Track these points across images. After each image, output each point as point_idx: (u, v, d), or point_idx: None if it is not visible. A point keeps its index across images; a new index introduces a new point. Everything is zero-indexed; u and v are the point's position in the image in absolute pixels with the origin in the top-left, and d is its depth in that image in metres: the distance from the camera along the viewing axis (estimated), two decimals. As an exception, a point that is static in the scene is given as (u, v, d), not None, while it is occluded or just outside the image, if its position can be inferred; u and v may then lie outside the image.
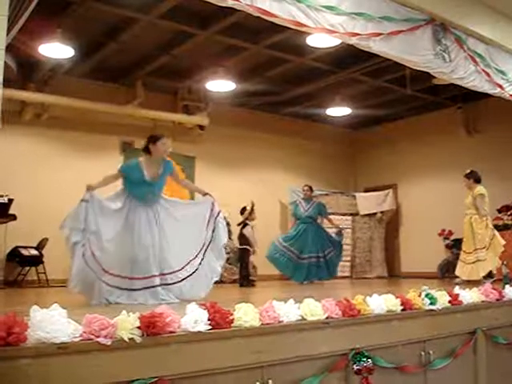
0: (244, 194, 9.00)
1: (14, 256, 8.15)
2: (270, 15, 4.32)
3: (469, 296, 4.24)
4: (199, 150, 10.18)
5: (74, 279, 4.30)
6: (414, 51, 5.40)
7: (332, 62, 8.71)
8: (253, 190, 9.80)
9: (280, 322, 2.84)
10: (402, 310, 3.54)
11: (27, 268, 8.21)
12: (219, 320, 2.55)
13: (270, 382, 2.72)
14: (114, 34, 7.59)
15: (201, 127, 10.11)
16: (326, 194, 11.22)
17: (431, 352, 3.68)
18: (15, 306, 4.49)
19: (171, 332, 2.38)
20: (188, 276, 4.58)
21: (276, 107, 10.91)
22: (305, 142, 11.57)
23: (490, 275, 6.87)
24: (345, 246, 9.23)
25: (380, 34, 5.02)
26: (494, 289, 4.58)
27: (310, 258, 7.93)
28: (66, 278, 4.38)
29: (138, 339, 2.25)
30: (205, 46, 7.98)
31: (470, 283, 6.17)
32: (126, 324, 2.24)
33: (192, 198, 7.54)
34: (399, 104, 10.71)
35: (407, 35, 5.27)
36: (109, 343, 2.16)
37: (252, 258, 7.69)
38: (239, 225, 7.63)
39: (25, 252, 8.12)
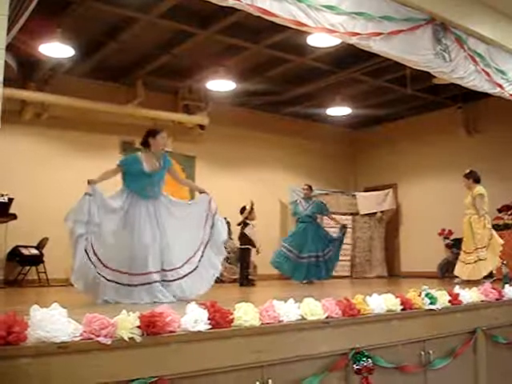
0: (244, 193, 9.00)
1: (15, 255, 8.16)
2: (270, 15, 4.33)
3: (469, 296, 4.24)
4: (199, 149, 10.19)
5: (76, 273, 4.32)
6: (414, 51, 5.41)
7: (332, 62, 8.70)
8: (253, 190, 9.80)
9: (280, 321, 2.83)
10: (402, 309, 3.54)
11: (27, 267, 8.21)
12: (219, 319, 2.55)
13: (270, 381, 2.72)
14: (114, 34, 7.59)
15: (201, 127, 10.10)
16: (327, 194, 11.23)
17: (431, 352, 3.68)
18: (15, 306, 4.49)
19: (171, 331, 2.38)
20: (189, 273, 4.58)
21: (276, 107, 10.90)
22: (305, 141, 11.57)
23: (489, 275, 6.88)
24: (345, 246, 9.24)
25: (380, 34, 5.02)
26: (494, 288, 4.58)
27: (310, 257, 7.92)
28: (67, 278, 4.40)
29: (138, 339, 2.25)
30: (205, 46, 7.98)
31: (470, 283, 6.16)
32: (126, 323, 2.24)
33: (192, 197, 7.55)
34: (399, 104, 10.71)
35: (407, 35, 5.28)
36: (109, 343, 2.16)
37: (253, 258, 7.69)
38: (239, 224, 7.63)
39: (25, 251, 8.13)
